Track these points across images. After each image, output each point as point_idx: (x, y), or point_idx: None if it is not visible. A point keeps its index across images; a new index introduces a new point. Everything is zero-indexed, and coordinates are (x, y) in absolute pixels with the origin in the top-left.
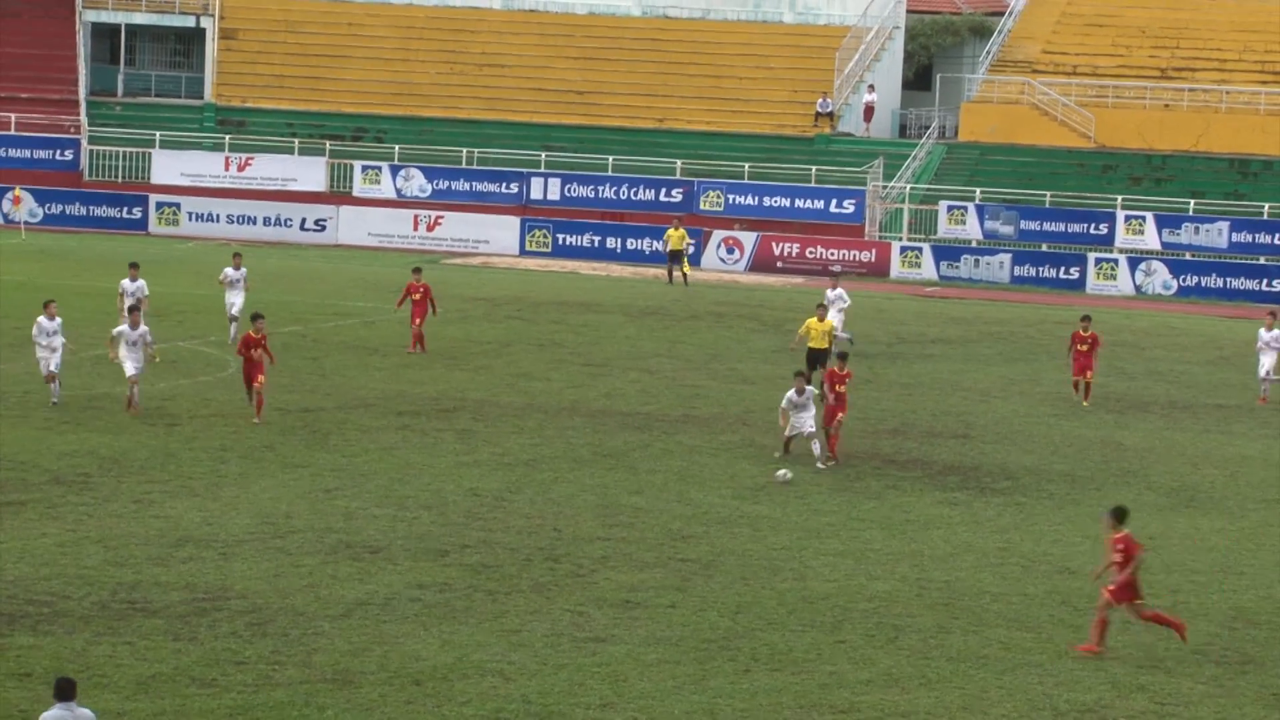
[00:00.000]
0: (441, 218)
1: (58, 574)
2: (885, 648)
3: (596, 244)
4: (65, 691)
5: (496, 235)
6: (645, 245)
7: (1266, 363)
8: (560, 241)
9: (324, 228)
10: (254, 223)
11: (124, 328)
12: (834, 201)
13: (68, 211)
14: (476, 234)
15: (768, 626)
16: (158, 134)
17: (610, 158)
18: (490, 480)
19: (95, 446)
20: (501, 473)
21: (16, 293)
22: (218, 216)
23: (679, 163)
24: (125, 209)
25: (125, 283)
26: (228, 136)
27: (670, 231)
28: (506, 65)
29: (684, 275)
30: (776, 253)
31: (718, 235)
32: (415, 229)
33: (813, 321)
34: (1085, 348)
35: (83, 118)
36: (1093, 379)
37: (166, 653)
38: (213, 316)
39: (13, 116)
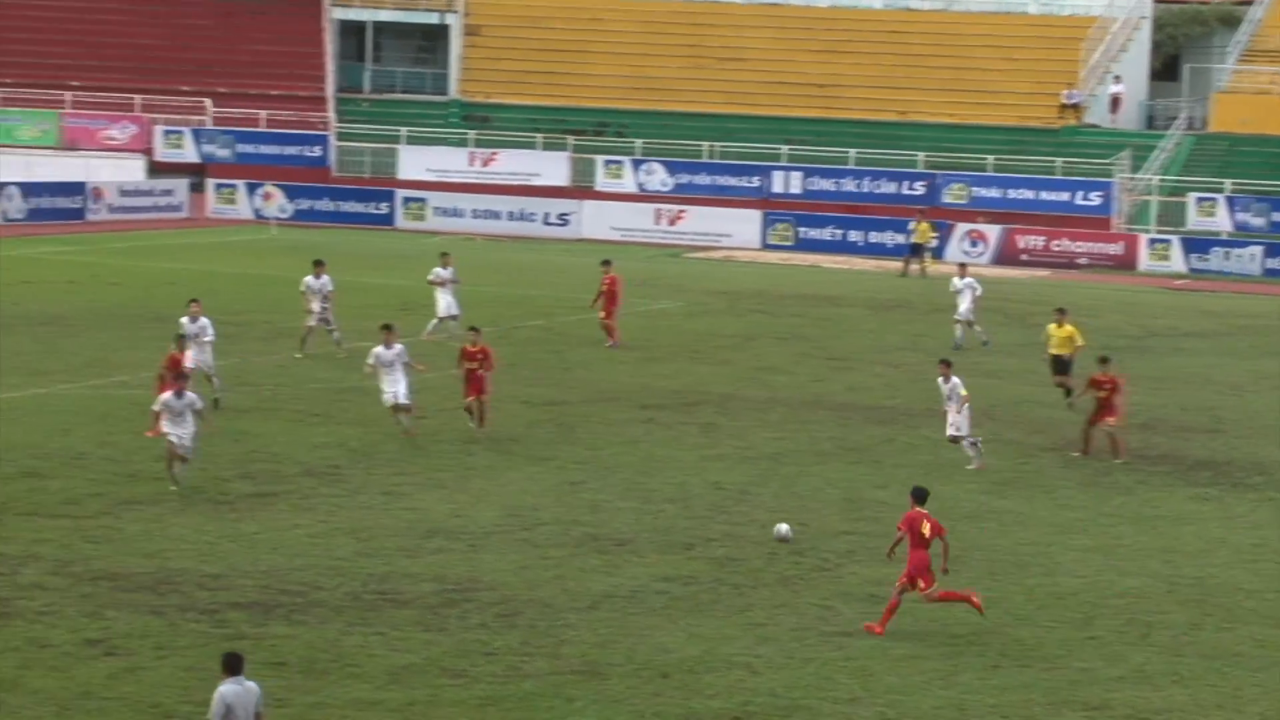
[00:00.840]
0: (683, 212)
1: (310, 565)
2: (1136, 644)
3: (839, 237)
4: (234, 666)
5: (738, 229)
6: (888, 238)
7: None
8: (802, 235)
9: (567, 222)
10: (498, 217)
11: (379, 349)
12: (1080, 194)
13: (316, 207)
14: (718, 228)
15: (1016, 622)
16: (404, 130)
17: (852, 151)
18: (734, 474)
19: (345, 439)
20: (745, 466)
21: (268, 288)
22: (463, 211)
23: (921, 155)
24: (372, 204)
25: (310, 280)
26: (472, 132)
27: (915, 224)
28: (748, 59)
29: (922, 269)
30: (1021, 245)
31: (961, 228)
32: (657, 223)
33: (1051, 327)
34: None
35: (331, 114)
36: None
37: (417, 643)
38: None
39: (263, 113)
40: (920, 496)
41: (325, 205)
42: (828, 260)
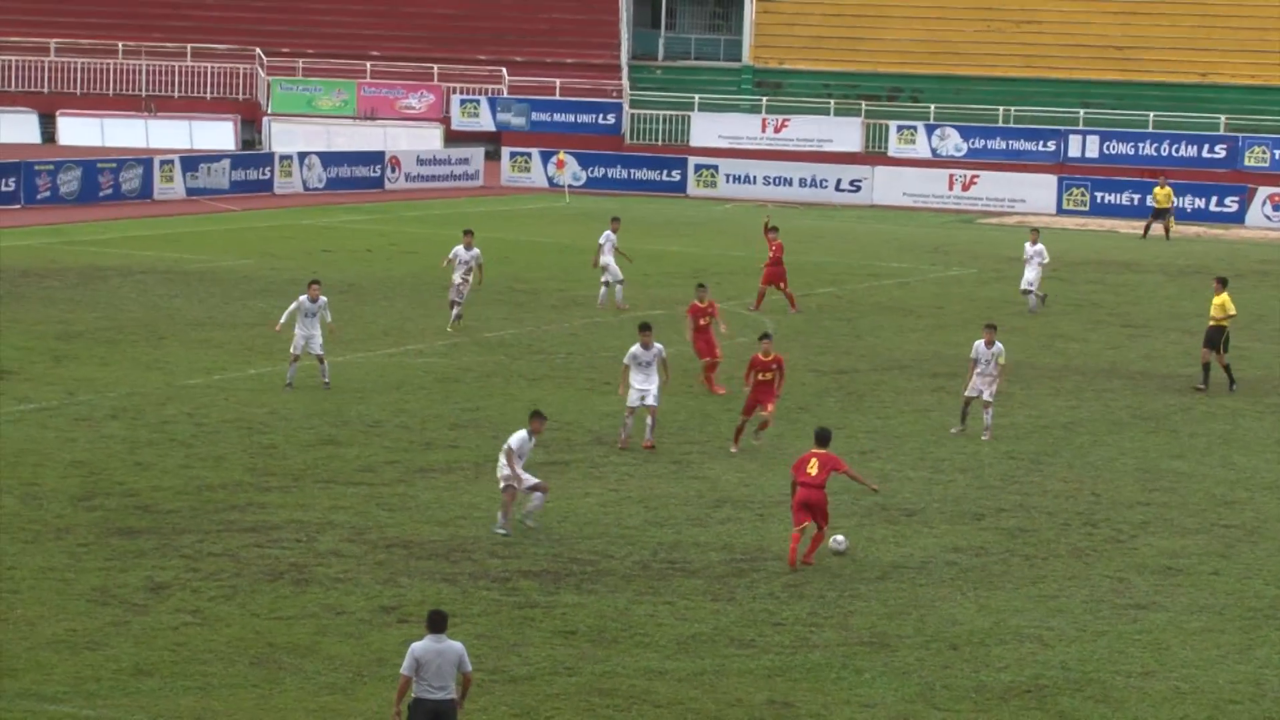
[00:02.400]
0: (977, 177)
1: (601, 533)
2: None
3: (1136, 202)
4: (437, 623)
5: (1032, 194)
6: (1186, 203)
7: None
8: (1098, 200)
9: (859, 188)
10: (789, 184)
11: (636, 349)
12: None
13: (609, 175)
14: (1012, 193)
15: None
16: (696, 97)
17: (1151, 114)
18: (1026, 443)
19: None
20: (1038, 435)
21: (561, 255)
22: (754, 178)
23: (1223, 118)
24: (665, 171)
25: (459, 249)
26: (764, 98)
27: (1157, 189)
28: (1044, 21)
29: (1166, 230)
30: None
31: (1263, 192)
32: (950, 188)
33: (1213, 295)
34: None
35: (624, 82)
36: None
37: (706, 613)
38: (747, 279)
39: (558, 81)
40: (820, 438)
41: (618, 173)
42: (1124, 225)
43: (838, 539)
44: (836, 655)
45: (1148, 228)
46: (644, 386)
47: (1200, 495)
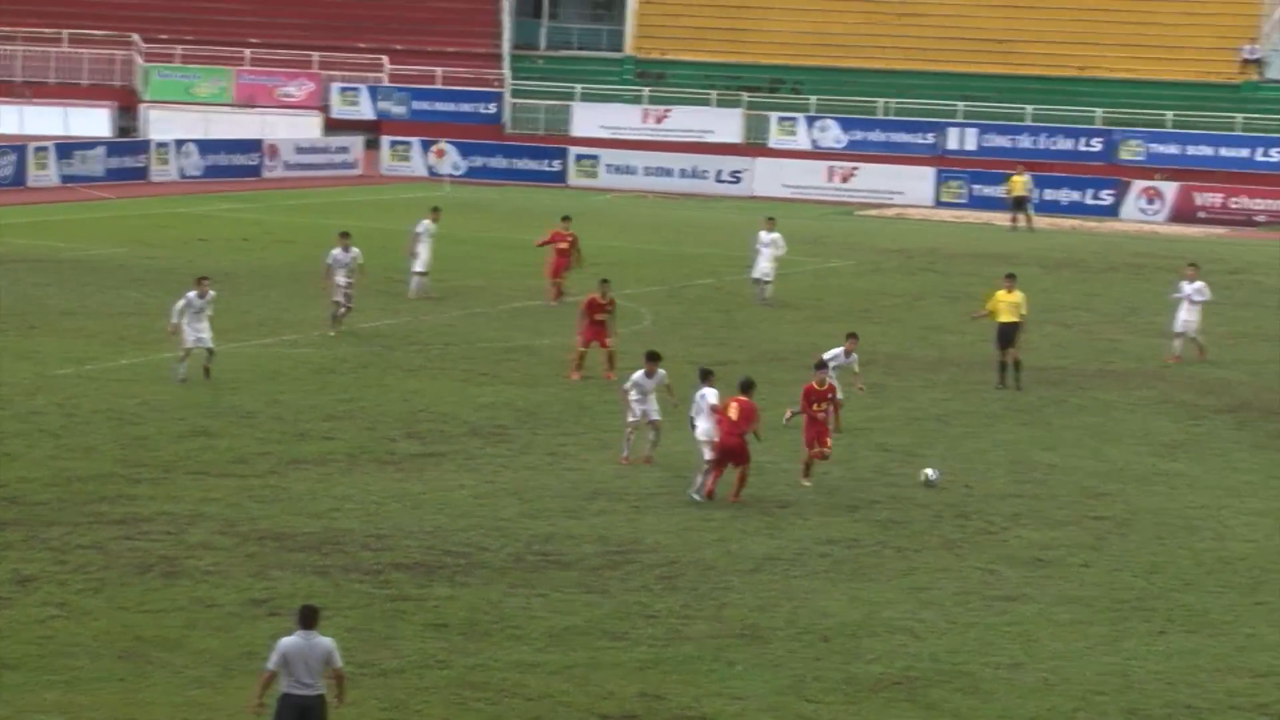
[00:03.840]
0: (856, 169)
1: (475, 525)
2: None
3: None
4: (308, 619)
5: (911, 186)
6: (1063, 196)
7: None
8: (975, 192)
9: (739, 179)
10: (670, 174)
11: (639, 378)
12: (1260, 150)
13: (489, 164)
14: (891, 185)
15: (1183, 587)
16: (578, 87)
17: (1029, 107)
18: (900, 435)
19: (511, 399)
20: (912, 427)
21: (439, 245)
22: (635, 168)
23: (1099, 111)
24: (545, 161)
25: (337, 253)
26: (646, 89)
27: (1014, 178)
28: (925, 14)
29: (1028, 221)
30: (1198, 203)
31: (1137, 185)
32: (829, 180)
33: (1001, 293)
34: None
35: (506, 71)
36: None
37: (579, 605)
38: (630, 269)
39: (438, 70)
40: (742, 386)
41: (498, 163)
42: (1001, 218)
43: (928, 472)
44: (709, 647)
45: (1014, 219)
46: (643, 406)
47: (1071, 487)
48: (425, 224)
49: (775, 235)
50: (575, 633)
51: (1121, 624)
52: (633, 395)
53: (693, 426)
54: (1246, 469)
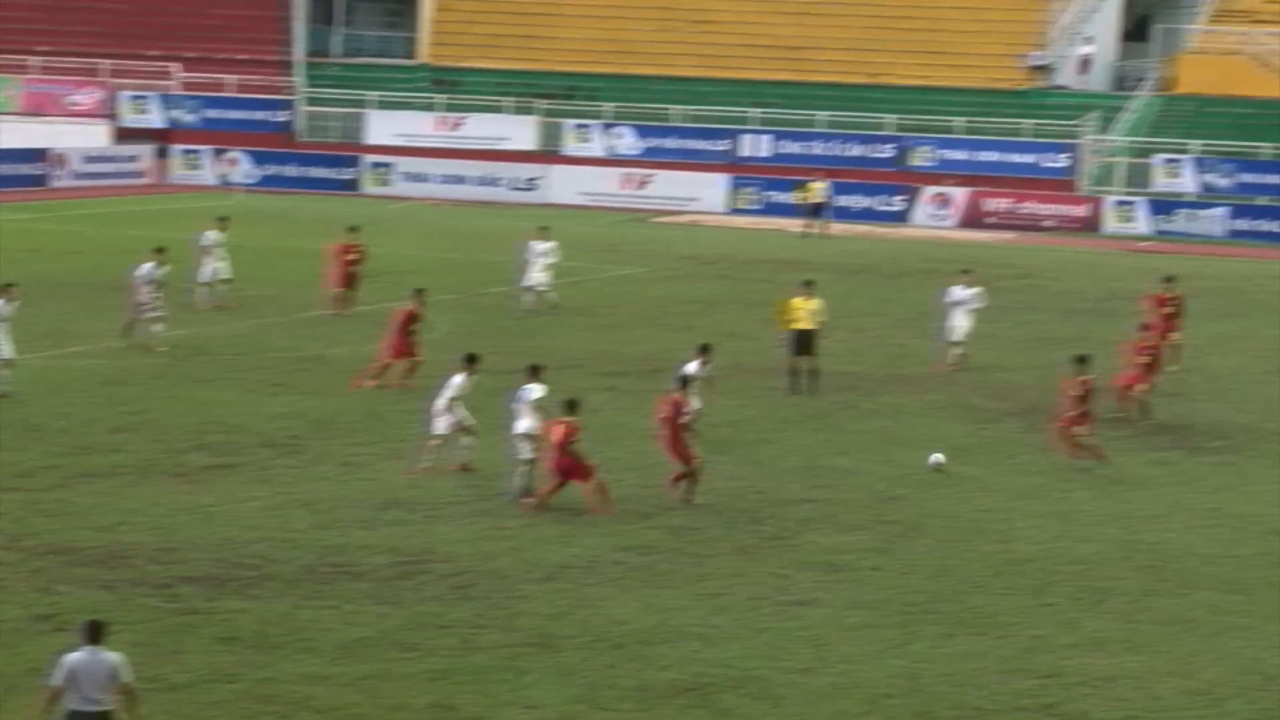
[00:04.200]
0: (651, 176)
1: (265, 537)
2: (1091, 611)
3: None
4: (93, 634)
5: (706, 193)
6: (855, 202)
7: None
8: (770, 199)
9: (535, 187)
10: (465, 182)
11: (459, 380)
12: (1047, 156)
13: (282, 173)
14: (686, 192)
15: (972, 589)
16: (372, 94)
17: (821, 114)
18: (694, 442)
19: (305, 409)
20: (705, 434)
21: (231, 255)
22: (430, 176)
23: (890, 118)
24: (339, 169)
25: (149, 267)
26: (441, 96)
27: (811, 184)
28: (718, 21)
29: (822, 228)
30: (987, 208)
31: (928, 191)
32: (625, 187)
33: (798, 300)
34: (1170, 310)
35: (298, 79)
36: (1178, 340)
37: (371, 617)
38: (424, 278)
39: (230, 78)
40: (567, 406)
41: (291, 171)
42: (795, 224)
43: (937, 458)
44: (501, 657)
45: (808, 226)
46: (462, 412)
47: (862, 492)
48: (211, 235)
49: (550, 244)
50: (367, 644)
51: (911, 627)
52: (440, 404)
53: (513, 423)
54: (1034, 472)
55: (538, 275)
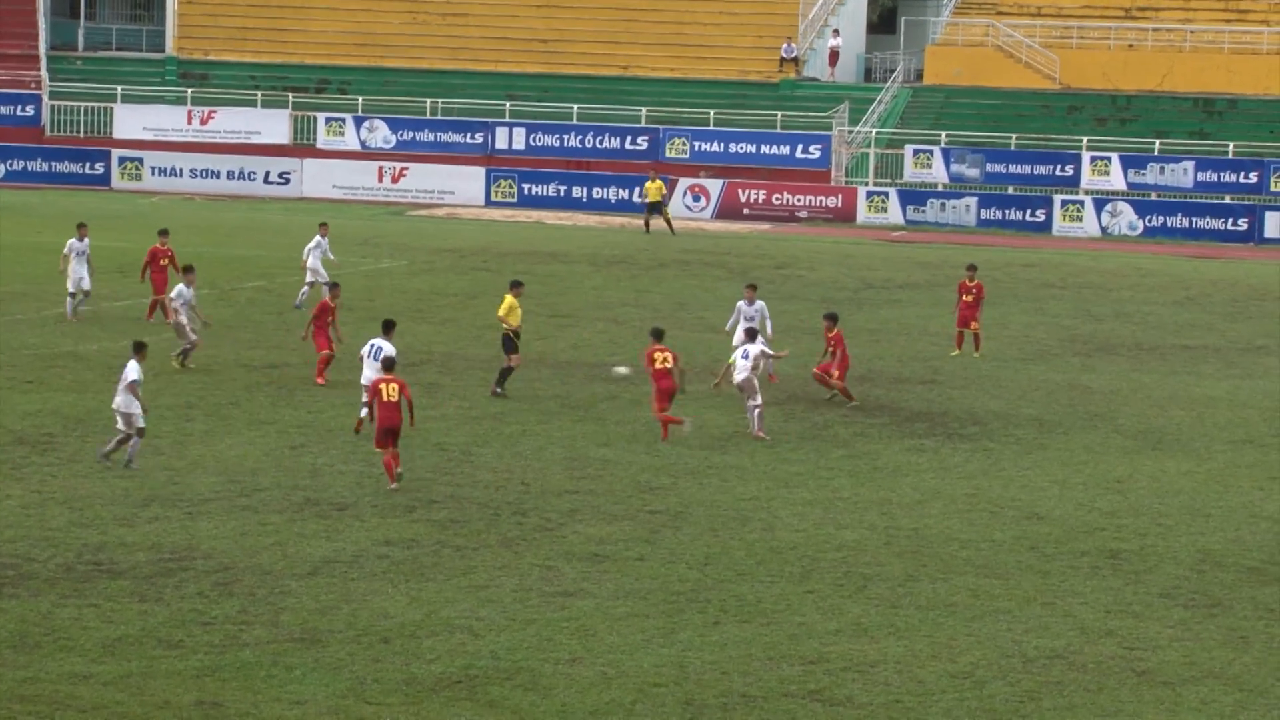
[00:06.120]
0: (406, 169)
1: (22, 536)
2: (854, 597)
3: (562, 193)
4: None
5: (462, 186)
6: (611, 194)
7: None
8: (526, 191)
9: (288, 181)
10: (217, 176)
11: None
12: (799, 147)
13: (29, 168)
14: (442, 185)
15: (736, 578)
16: (119, 88)
17: (575, 106)
18: (457, 434)
19: (59, 406)
20: (468, 426)
21: None
22: (181, 171)
23: (644, 110)
24: (88, 164)
25: (73, 242)
26: (190, 90)
27: (648, 183)
28: (469, 14)
29: (668, 223)
30: (742, 199)
31: (684, 183)
32: (380, 180)
33: (511, 299)
34: (970, 298)
35: (43, 73)
36: (979, 329)
37: (133, 614)
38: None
39: None
40: (386, 365)
41: (38, 166)
42: (551, 216)
43: (619, 369)
44: (267, 653)
45: (647, 223)
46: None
47: (626, 482)
48: (72, 243)
49: (325, 239)
50: (129, 642)
51: (677, 616)
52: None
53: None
54: (795, 460)
55: (315, 264)
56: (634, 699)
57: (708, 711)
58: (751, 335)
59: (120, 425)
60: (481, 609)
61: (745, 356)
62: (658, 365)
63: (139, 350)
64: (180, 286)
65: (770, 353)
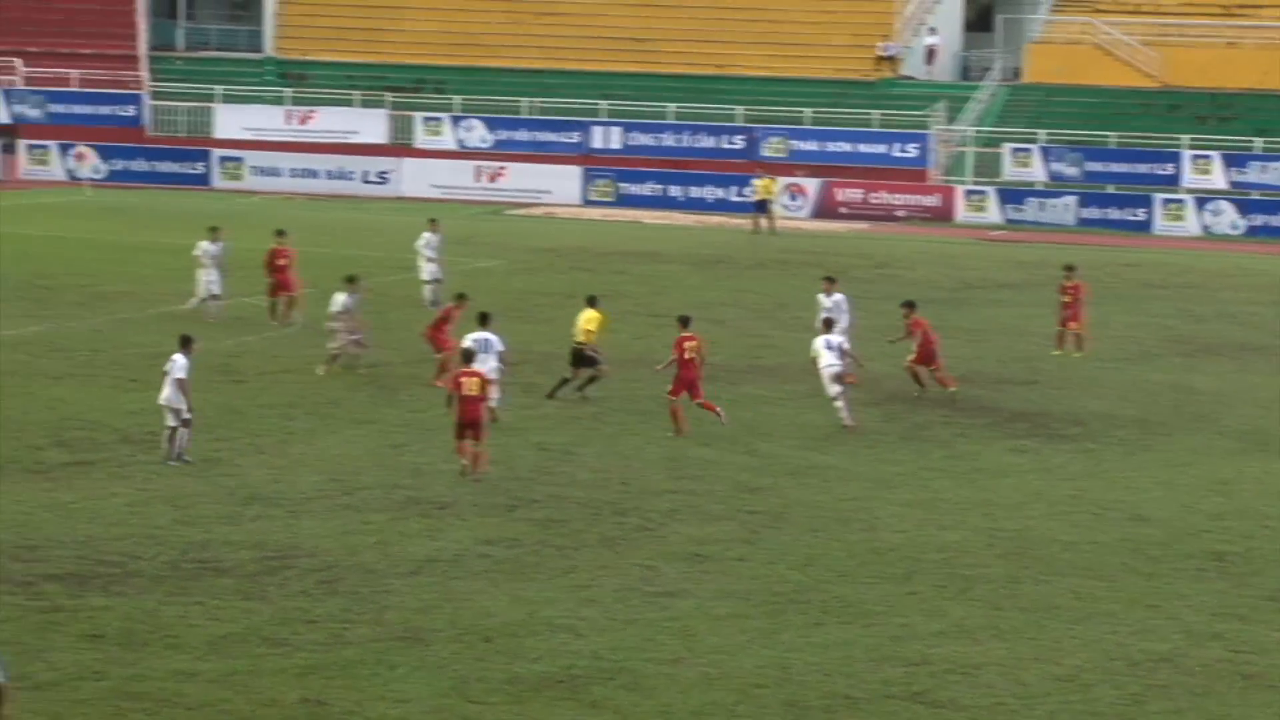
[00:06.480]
0: (504, 168)
1: (128, 534)
2: (956, 599)
3: (659, 193)
4: None
5: (559, 185)
6: (708, 193)
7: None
8: (623, 190)
9: (386, 180)
10: (316, 176)
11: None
12: (897, 146)
13: (131, 168)
14: (539, 184)
15: (838, 578)
16: (219, 88)
17: (671, 105)
18: (557, 434)
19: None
20: (568, 426)
21: (83, 250)
22: (281, 170)
23: (740, 109)
24: (189, 164)
25: (205, 244)
26: (289, 90)
27: (758, 181)
28: (565, 13)
29: (771, 223)
30: (840, 199)
31: (781, 182)
32: (477, 180)
33: (588, 314)
34: (1069, 298)
35: (144, 73)
36: (1083, 329)
37: (237, 612)
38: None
39: (75, 73)
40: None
41: (140, 165)
42: (648, 216)
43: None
44: (370, 651)
45: (756, 221)
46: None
47: (726, 482)
48: (204, 245)
49: (439, 236)
50: (234, 640)
51: (779, 617)
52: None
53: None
54: (895, 461)
55: (430, 268)
56: (736, 700)
57: (810, 713)
58: (829, 325)
59: (169, 420)
60: (583, 609)
61: (829, 347)
62: (686, 355)
63: (186, 345)
64: (340, 295)
65: (847, 347)
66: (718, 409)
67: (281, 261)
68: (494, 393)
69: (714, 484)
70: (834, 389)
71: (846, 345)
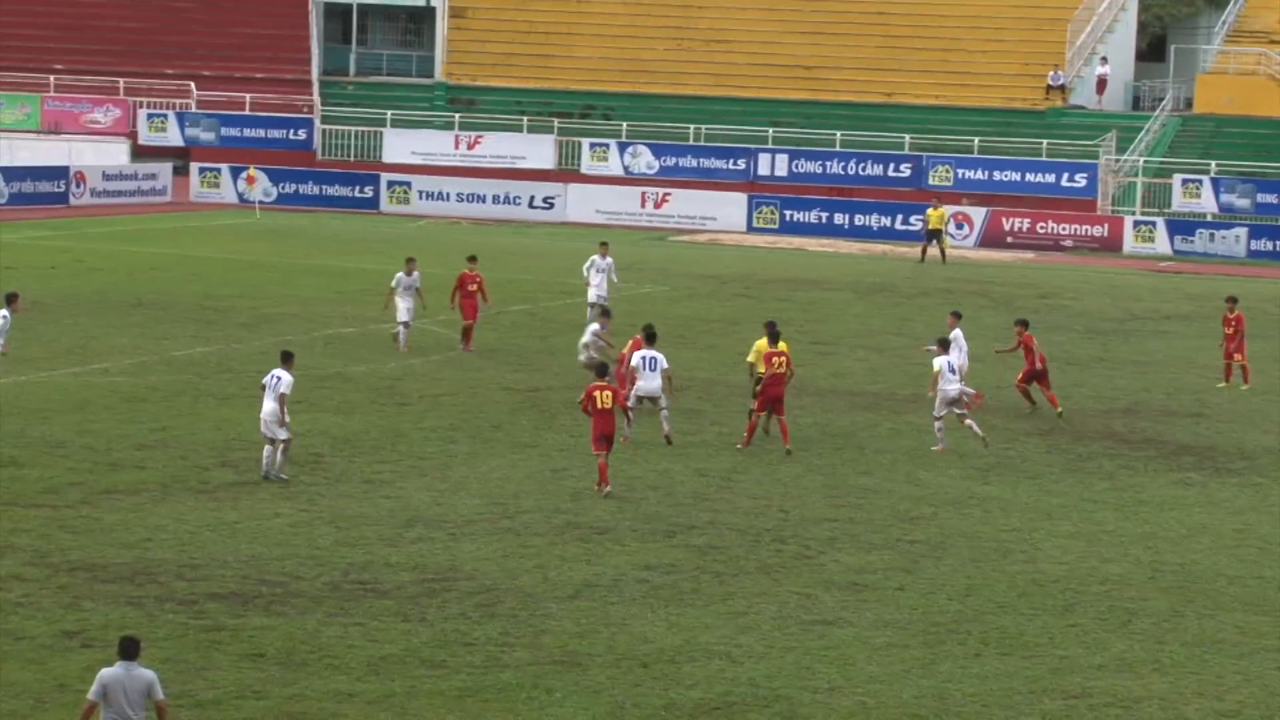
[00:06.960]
0: (669, 194)
1: (290, 554)
2: (1118, 631)
3: (824, 220)
4: (128, 650)
5: (724, 212)
6: (873, 221)
7: None
8: (788, 218)
9: (552, 205)
10: (483, 200)
11: (944, 360)
12: (1065, 175)
13: (301, 191)
14: (704, 211)
15: (998, 610)
16: (389, 113)
17: (838, 133)
18: (717, 460)
19: (327, 427)
20: (728, 453)
21: (251, 272)
22: (448, 195)
23: (907, 137)
24: (357, 188)
25: (400, 276)
26: (458, 115)
27: (930, 211)
28: (734, 40)
29: (941, 252)
30: (1006, 228)
31: (947, 210)
32: (643, 206)
33: (762, 343)
34: (1231, 330)
35: (316, 97)
36: (1246, 361)
37: (397, 634)
38: (445, 295)
39: (248, 96)
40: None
41: (310, 189)
42: (813, 243)
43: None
44: (528, 675)
45: (924, 250)
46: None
47: (886, 511)
48: (400, 277)
49: (609, 260)
50: (393, 661)
51: (937, 647)
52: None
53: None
54: (1058, 492)
55: (600, 289)
56: None
57: None
58: (945, 346)
59: (266, 433)
60: (740, 635)
61: (952, 369)
62: (775, 368)
63: (287, 360)
64: (595, 325)
65: (965, 365)
66: (787, 434)
67: (471, 287)
68: (663, 401)
69: (874, 512)
70: (945, 410)
71: (965, 364)
